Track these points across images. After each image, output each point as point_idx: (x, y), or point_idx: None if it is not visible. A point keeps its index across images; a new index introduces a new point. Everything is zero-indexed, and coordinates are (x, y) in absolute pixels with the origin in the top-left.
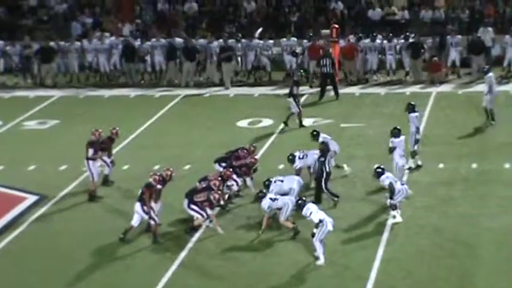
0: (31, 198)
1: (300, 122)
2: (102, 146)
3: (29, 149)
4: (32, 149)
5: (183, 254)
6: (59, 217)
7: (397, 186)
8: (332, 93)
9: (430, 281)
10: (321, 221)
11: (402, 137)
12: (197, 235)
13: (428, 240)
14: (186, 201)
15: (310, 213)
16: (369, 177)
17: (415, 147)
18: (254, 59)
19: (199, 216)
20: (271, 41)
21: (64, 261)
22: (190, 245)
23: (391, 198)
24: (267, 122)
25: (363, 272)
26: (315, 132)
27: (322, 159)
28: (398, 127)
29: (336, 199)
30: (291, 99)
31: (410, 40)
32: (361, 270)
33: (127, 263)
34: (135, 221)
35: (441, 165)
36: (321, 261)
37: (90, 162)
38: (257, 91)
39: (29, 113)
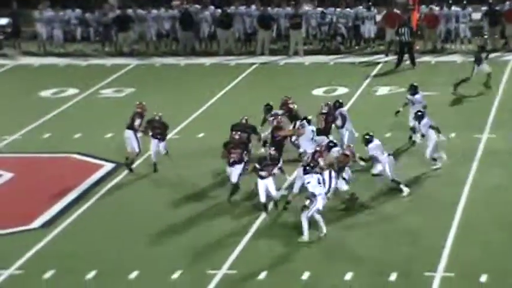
0: (108, 166)
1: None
2: (154, 125)
3: (106, 117)
4: (109, 117)
5: (258, 222)
6: (136, 185)
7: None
8: (408, 61)
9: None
10: (314, 195)
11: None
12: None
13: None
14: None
15: (308, 183)
16: (444, 144)
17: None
18: (329, 28)
19: None
20: (348, 9)
21: (139, 227)
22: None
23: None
24: (342, 90)
25: (437, 242)
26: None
27: None
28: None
29: None
30: None
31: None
32: (436, 239)
33: (204, 229)
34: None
35: None
36: (305, 237)
37: (133, 132)
38: (332, 59)
39: (105, 81)
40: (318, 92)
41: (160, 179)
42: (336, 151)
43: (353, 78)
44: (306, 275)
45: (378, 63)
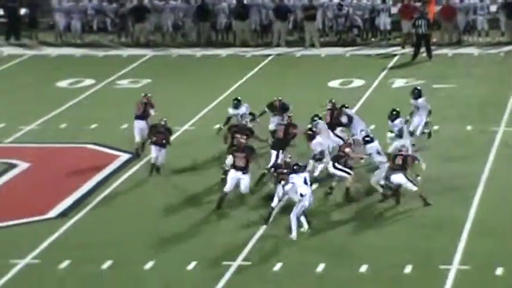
0: (124, 157)
1: None
2: (159, 130)
3: (122, 108)
4: (125, 108)
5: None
6: (152, 175)
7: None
8: (425, 54)
9: None
10: (302, 195)
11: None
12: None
13: None
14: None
15: (293, 183)
16: (463, 137)
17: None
18: (345, 19)
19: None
20: (365, 1)
21: (155, 218)
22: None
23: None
24: (358, 82)
25: (452, 235)
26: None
27: None
28: (396, 109)
29: None
30: None
31: None
32: (451, 232)
33: (219, 220)
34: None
35: None
36: (293, 235)
37: (146, 122)
38: (349, 51)
39: (121, 72)
40: (334, 84)
41: (176, 170)
42: (370, 147)
43: (369, 70)
44: (320, 267)
45: (395, 55)
